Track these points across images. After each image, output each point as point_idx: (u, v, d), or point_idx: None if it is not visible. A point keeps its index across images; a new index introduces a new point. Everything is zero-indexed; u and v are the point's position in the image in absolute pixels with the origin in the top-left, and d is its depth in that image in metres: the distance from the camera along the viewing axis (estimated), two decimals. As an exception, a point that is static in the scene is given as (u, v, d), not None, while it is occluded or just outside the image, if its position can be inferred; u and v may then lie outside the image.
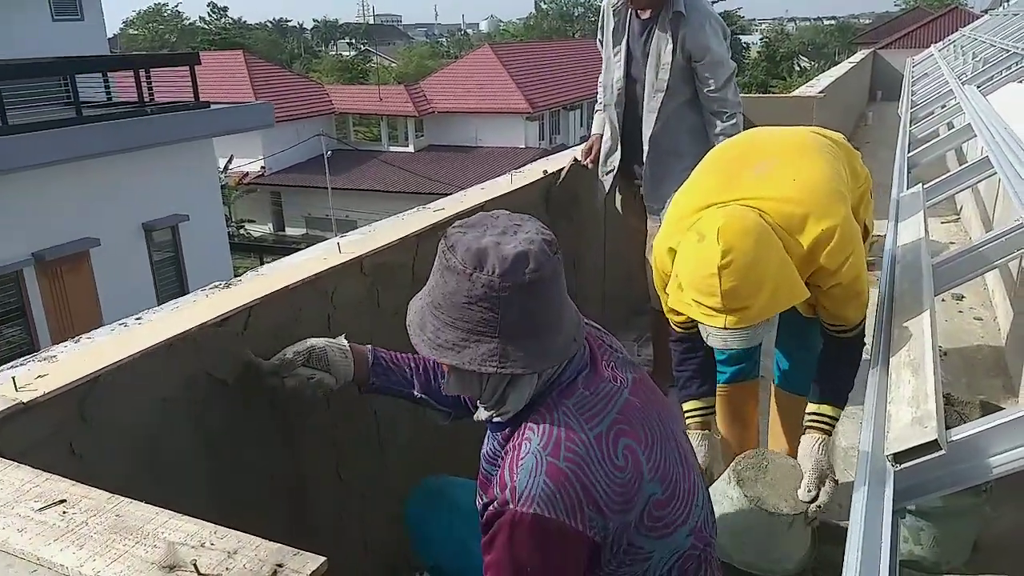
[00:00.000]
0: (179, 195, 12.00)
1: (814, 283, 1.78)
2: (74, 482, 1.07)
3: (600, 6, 3.07)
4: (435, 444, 2.30)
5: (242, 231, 23.61)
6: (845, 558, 1.23)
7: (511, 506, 1.15)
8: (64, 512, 1.01)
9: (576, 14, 52.72)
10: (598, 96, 3.18)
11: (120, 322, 1.73)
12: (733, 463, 2.00)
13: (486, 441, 1.42)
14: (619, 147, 3.02)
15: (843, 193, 1.85)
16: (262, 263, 18.99)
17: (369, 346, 1.80)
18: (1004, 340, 3.75)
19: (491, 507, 1.20)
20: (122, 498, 1.03)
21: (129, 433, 1.55)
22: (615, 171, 3.05)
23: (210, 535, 0.94)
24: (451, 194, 3.01)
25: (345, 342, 1.78)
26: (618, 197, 3.20)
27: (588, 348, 1.32)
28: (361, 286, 2.17)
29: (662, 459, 1.26)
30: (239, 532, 0.94)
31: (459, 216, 2.58)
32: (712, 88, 2.82)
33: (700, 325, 1.75)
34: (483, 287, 1.17)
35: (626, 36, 2.91)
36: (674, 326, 2.12)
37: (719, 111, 2.84)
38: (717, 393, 2.27)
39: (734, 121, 2.85)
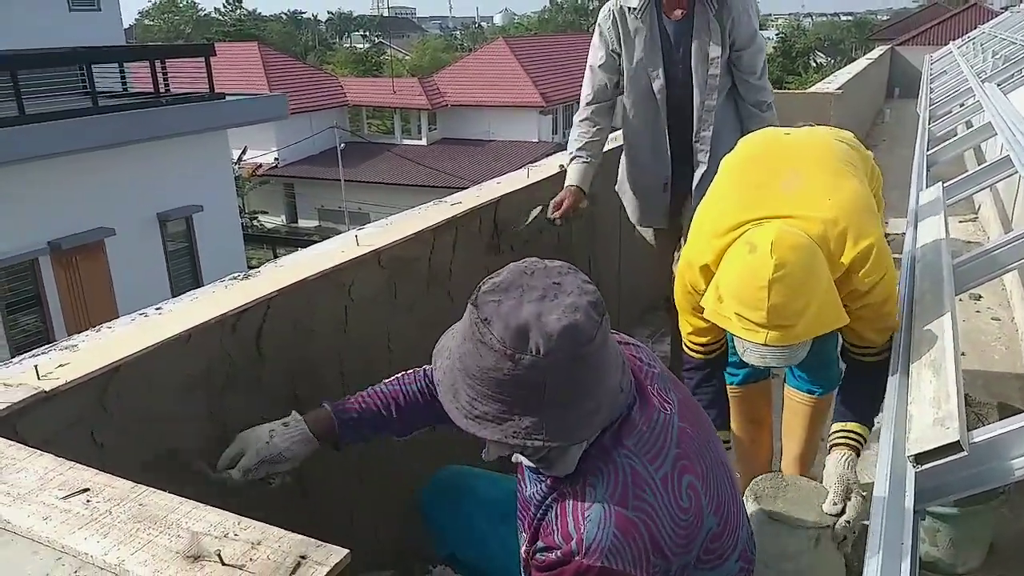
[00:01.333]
0: (193, 186, 12.05)
1: (844, 303, 1.74)
2: (97, 471, 1.07)
3: (602, 12, 2.70)
4: (450, 434, 2.30)
5: (255, 222, 23.71)
6: (866, 558, 1.22)
7: (577, 558, 1.12)
8: (88, 501, 1.01)
9: (591, 8, 52.46)
10: (578, 136, 2.82)
11: (140, 312, 1.74)
12: (751, 484, 1.93)
13: (527, 482, 1.31)
14: (669, 165, 2.74)
15: (874, 210, 1.83)
16: (275, 255, 19.03)
17: (327, 405, 1.61)
18: (1022, 341, 3.72)
19: (553, 555, 1.15)
20: (145, 487, 1.03)
21: (149, 422, 1.56)
22: (667, 191, 2.77)
23: (233, 526, 0.95)
24: (464, 187, 3.00)
25: (298, 418, 1.59)
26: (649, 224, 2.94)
27: (631, 374, 1.22)
28: (379, 279, 2.18)
29: (716, 489, 1.23)
30: (262, 523, 0.95)
31: (477, 210, 2.58)
32: (756, 77, 2.66)
33: (738, 339, 1.70)
34: (527, 368, 1.06)
35: (659, 39, 2.61)
36: (690, 351, 2.06)
37: (761, 101, 2.69)
38: (730, 395, 2.24)
39: (773, 111, 2.72)
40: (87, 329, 1.66)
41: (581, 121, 2.82)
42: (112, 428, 1.48)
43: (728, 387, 2.44)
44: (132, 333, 1.62)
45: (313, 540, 0.92)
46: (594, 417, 1.12)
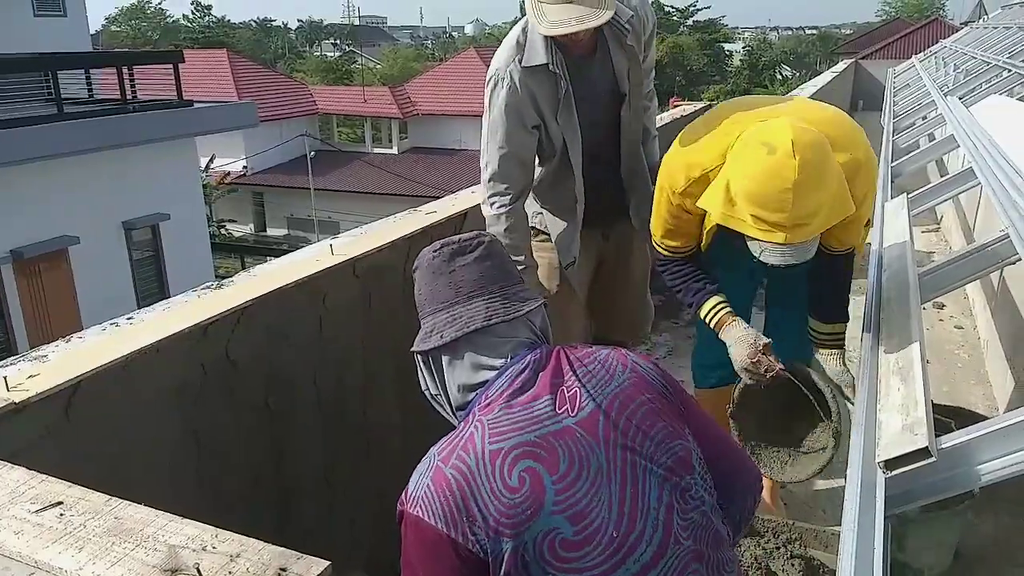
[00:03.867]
0: (160, 194, 11.87)
1: None
2: (70, 484, 1.06)
3: (496, 80, 2.24)
4: (428, 447, 2.30)
5: (223, 231, 23.43)
6: (839, 564, 1.24)
7: (404, 506, 1.16)
8: (61, 514, 1.00)
9: (561, 19, 52.77)
10: (519, 240, 2.29)
11: (111, 321, 1.71)
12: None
13: None
14: (583, 199, 2.36)
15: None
16: (243, 263, 18.75)
17: None
18: (984, 349, 3.81)
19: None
20: (120, 500, 1.02)
21: (120, 433, 1.54)
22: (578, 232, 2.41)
23: (211, 538, 0.94)
24: (435, 196, 3.00)
25: None
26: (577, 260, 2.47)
27: (542, 370, 1.22)
28: (354, 289, 2.17)
29: (585, 499, 1.14)
30: (241, 535, 0.94)
31: (450, 219, 2.59)
32: (649, 80, 2.42)
33: (752, 241, 1.71)
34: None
35: (570, 87, 2.21)
36: (662, 251, 2.10)
37: (651, 105, 2.49)
38: (698, 397, 2.26)
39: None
40: (50, 339, 1.64)
41: (511, 220, 2.26)
42: (83, 440, 1.45)
43: (697, 390, 2.49)
44: (103, 343, 1.60)
45: (293, 552, 0.92)
46: (430, 336, 1.24)
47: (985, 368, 3.63)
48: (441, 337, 1.23)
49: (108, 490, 1.06)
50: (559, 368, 1.23)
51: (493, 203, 2.27)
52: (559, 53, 2.16)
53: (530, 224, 2.43)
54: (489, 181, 2.27)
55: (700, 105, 7.48)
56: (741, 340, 2.01)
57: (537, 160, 2.38)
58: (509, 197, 2.26)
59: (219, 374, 1.77)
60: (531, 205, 2.45)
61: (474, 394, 1.23)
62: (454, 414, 1.27)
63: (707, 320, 2.09)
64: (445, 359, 1.25)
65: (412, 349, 1.28)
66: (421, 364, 1.29)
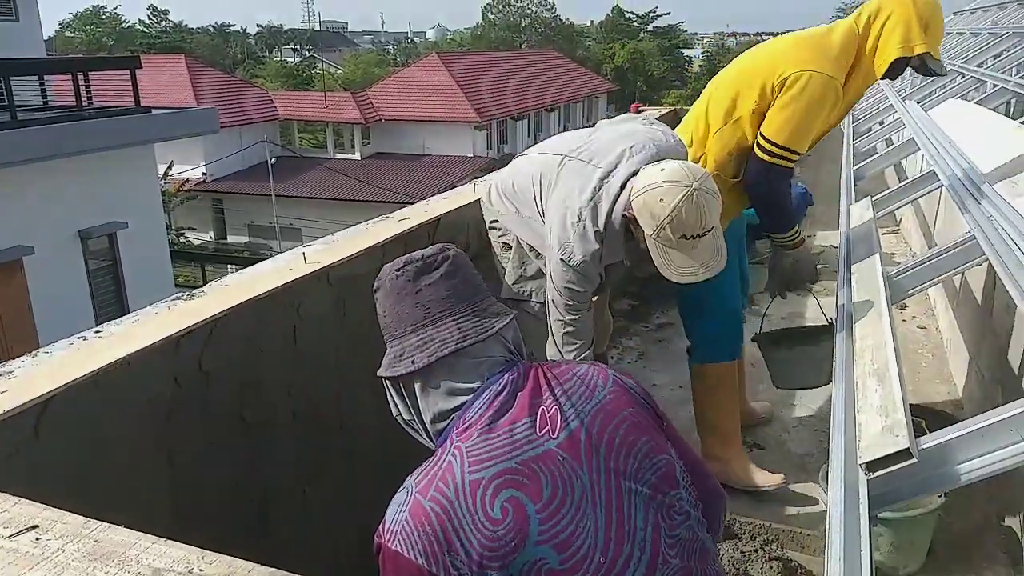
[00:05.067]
0: (118, 202, 11.62)
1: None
2: (46, 506, 1.02)
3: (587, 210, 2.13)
4: (409, 457, 2.27)
5: (182, 239, 23.03)
6: (826, 567, 1.24)
7: (381, 540, 1.11)
8: (37, 538, 0.96)
9: (523, 24, 53.04)
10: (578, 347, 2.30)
11: (79, 335, 1.66)
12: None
13: None
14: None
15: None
16: (204, 272, 18.40)
17: None
18: (947, 348, 3.88)
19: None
20: (99, 522, 0.98)
21: (92, 450, 1.49)
22: None
23: (198, 560, 0.91)
24: (400, 202, 2.99)
25: None
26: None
27: (520, 390, 1.19)
28: (327, 297, 2.14)
29: (571, 526, 1.11)
30: (228, 556, 0.91)
31: (423, 226, 2.57)
32: None
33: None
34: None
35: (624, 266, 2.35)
36: (794, 159, 2.43)
37: None
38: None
39: None
40: (5, 351, 1.59)
41: (580, 341, 2.27)
42: (54, 458, 1.41)
43: (729, 363, 2.76)
44: (71, 358, 1.55)
45: (282, 572, 0.89)
46: (399, 361, 1.18)
47: (948, 367, 3.70)
48: (412, 363, 1.17)
49: (81, 509, 1.03)
50: (537, 387, 1.18)
51: (573, 350, 2.27)
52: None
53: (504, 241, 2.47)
54: (565, 335, 2.26)
55: (664, 110, 7.55)
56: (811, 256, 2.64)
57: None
58: (587, 344, 2.28)
59: (192, 387, 1.73)
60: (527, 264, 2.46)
61: (450, 419, 1.18)
62: (430, 440, 1.21)
63: (794, 234, 2.59)
64: (417, 385, 1.19)
65: (380, 374, 1.21)
66: (391, 389, 1.23)
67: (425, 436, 1.23)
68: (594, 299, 2.38)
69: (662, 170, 1.97)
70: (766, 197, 2.49)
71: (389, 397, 1.24)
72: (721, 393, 2.71)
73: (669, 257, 1.98)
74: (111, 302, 11.63)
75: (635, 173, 2.06)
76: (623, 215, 2.07)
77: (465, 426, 1.15)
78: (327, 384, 2.17)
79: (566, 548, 1.10)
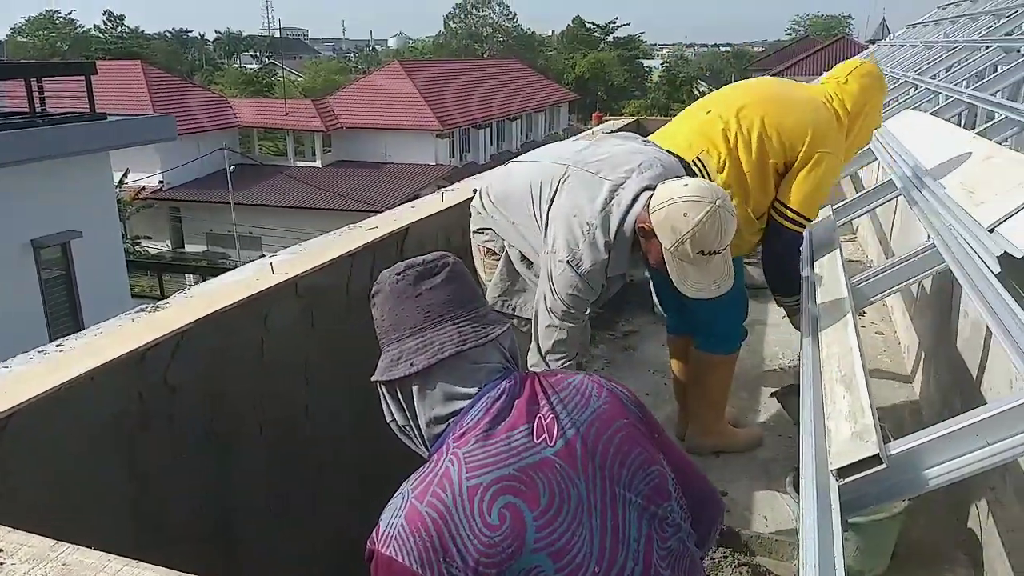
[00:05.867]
0: (72, 210, 11.34)
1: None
2: (10, 528, 0.98)
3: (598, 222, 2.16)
4: (380, 468, 2.25)
5: (138, 248, 22.58)
6: (800, 573, 1.26)
7: (371, 546, 1.11)
8: (1, 563, 0.92)
9: (485, 34, 53.17)
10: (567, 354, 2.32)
11: (40, 349, 1.62)
12: None
13: None
14: None
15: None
16: (161, 281, 17.97)
17: None
18: (905, 354, 3.97)
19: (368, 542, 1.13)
20: (68, 544, 0.95)
21: (55, 468, 1.45)
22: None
23: (172, 581, 0.88)
24: (362, 210, 2.98)
25: None
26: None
27: (517, 397, 1.20)
28: (296, 308, 2.11)
29: (567, 534, 1.11)
30: (204, 576, 0.89)
31: (392, 235, 2.55)
32: None
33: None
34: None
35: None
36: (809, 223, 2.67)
37: None
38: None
39: None
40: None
41: (570, 350, 2.30)
42: (15, 477, 1.36)
43: (729, 355, 2.97)
44: (32, 373, 1.51)
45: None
46: (397, 364, 1.17)
47: (907, 372, 3.78)
48: (411, 365, 1.16)
49: (43, 530, 0.99)
50: (534, 395, 1.19)
51: (559, 358, 2.28)
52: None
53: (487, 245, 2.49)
54: (556, 343, 2.27)
55: (625, 120, 7.62)
56: None
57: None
58: (572, 354, 2.30)
59: (158, 402, 1.69)
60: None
61: (446, 424, 1.17)
62: (425, 445, 1.21)
63: (798, 299, 2.70)
64: (415, 388, 1.18)
65: (375, 378, 1.20)
66: (386, 394, 1.22)
67: (420, 442, 1.22)
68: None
69: (685, 185, 2.02)
70: (783, 259, 2.72)
71: (384, 403, 1.23)
72: (724, 375, 2.98)
73: (685, 272, 2.03)
74: (64, 313, 11.34)
75: (647, 188, 2.10)
76: (635, 227, 2.10)
77: (462, 432, 1.15)
78: (296, 395, 2.14)
79: (562, 556, 1.11)
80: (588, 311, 2.34)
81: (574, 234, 2.15)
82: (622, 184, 2.15)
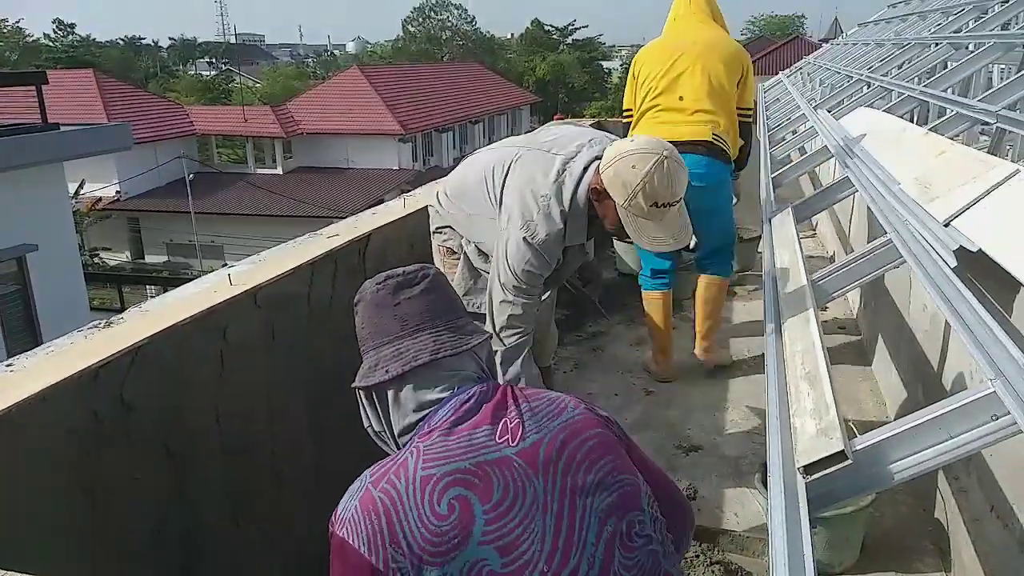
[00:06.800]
0: (26, 223, 11.07)
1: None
2: (-45, 559, 0.94)
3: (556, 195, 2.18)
4: (343, 482, 2.22)
5: (96, 260, 22.12)
6: (771, 571, 1.26)
7: (332, 527, 1.13)
8: (-54, 596, 0.88)
9: (444, 37, 53.06)
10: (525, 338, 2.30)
11: (-12, 370, 1.56)
12: None
13: None
14: None
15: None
16: (121, 293, 17.59)
17: None
18: (866, 348, 4.03)
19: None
20: (15, 574, 0.91)
21: (6, 491, 1.40)
22: None
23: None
24: (324, 216, 2.95)
25: None
26: None
27: (487, 402, 1.21)
28: (256, 320, 2.07)
29: (517, 530, 1.11)
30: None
31: (354, 242, 2.52)
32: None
33: None
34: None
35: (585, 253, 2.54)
36: None
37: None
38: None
39: None
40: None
41: (524, 326, 2.27)
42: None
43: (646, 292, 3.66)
44: (-21, 395, 1.45)
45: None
46: (374, 371, 1.21)
47: (870, 366, 3.83)
48: (386, 372, 1.19)
49: (-5, 559, 0.95)
50: (504, 401, 1.21)
51: (513, 334, 2.24)
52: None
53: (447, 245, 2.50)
54: (510, 318, 2.24)
55: (587, 122, 7.64)
56: None
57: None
58: (527, 330, 2.28)
59: (114, 420, 1.64)
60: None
61: (417, 429, 1.20)
62: (398, 449, 1.22)
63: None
64: (390, 394, 1.22)
65: (354, 385, 1.23)
66: (364, 400, 1.25)
67: (394, 446, 1.25)
68: (545, 297, 2.41)
69: (632, 141, 2.08)
70: (748, 143, 3.73)
71: (361, 409, 1.26)
72: (723, 297, 3.73)
73: (639, 226, 2.07)
74: (21, 328, 11.07)
75: (597, 157, 2.15)
76: (588, 190, 2.13)
77: (428, 430, 1.18)
78: (257, 411, 2.10)
79: (509, 552, 1.11)
80: (542, 291, 2.33)
81: (528, 207, 2.17)
82: (573, 157, 2.19)
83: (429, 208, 2.52)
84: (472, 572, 1.09)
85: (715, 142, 3.33)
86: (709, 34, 3.51)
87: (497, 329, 2.25)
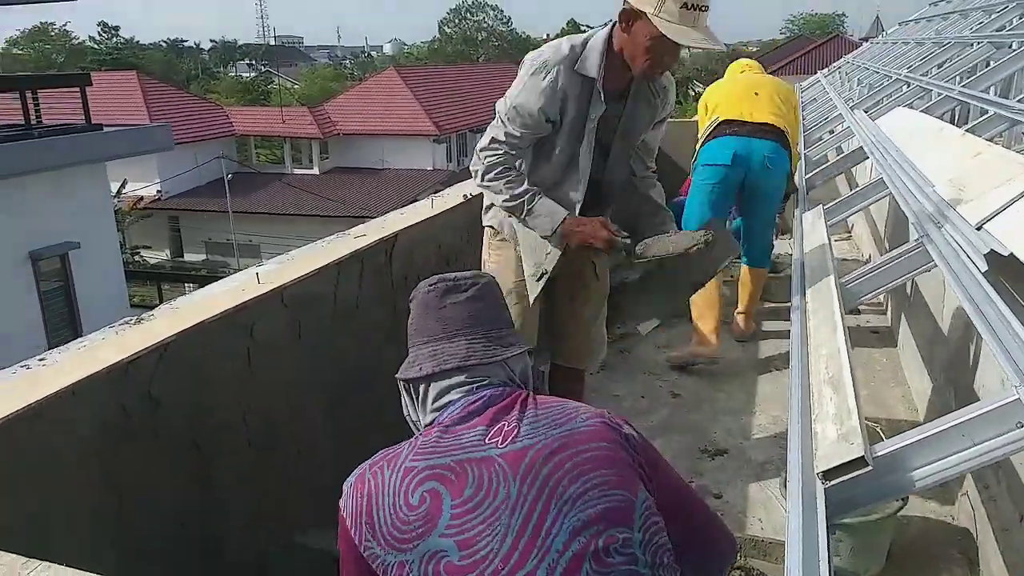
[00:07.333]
0: (70, 222, 11.36)
1: None
2: (-18, 547, 0.98)
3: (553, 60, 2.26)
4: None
5: (137, 258, 22.58)
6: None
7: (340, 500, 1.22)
8: (-29, 582, 0.92)
9: (480, 38, 53.20)
10: (513, 180, 2.33)
11: (22, 364, 1.61)
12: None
13: None
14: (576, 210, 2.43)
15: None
16: (160, 291, 17.96)
17: None
18: (900, 352, 3.96)
19: None
20: (40, 562, 0.94)
21: (35, 485, 1.44)
22: None
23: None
24: (359, 216, 2.97)
25: None
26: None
27: (493, 405, 1.24)
28: (282, 319, 2.10)
29: (480, 527, 1.13)
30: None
31: (381, 242, 2.54)
32: (654, 152, 2.62)
33: None
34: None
35: (603, 104, 2.32)
36: None
37: (653, 170, 2.66)
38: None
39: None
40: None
41: (507, 165, 2.33)
42: (-7, 495, 1.35)
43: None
44: (13, 388, 1.50)
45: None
46: (411, 366, 1.29)
47: (902, 370, 3.77)
48: (420, 369, 1.27)
49: (22, 549, 0.99)
50: (510, 406, 1.24)
51: (495, 160, 2.31)
52: (604, 77, 2.26)
53: (490, 224, 2.46)
54: (494, 142, 2.32)
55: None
56: None
57: (528, 166, 2.41)
58: (514, 156, 2.33)
59: (142, 415, 1.68)
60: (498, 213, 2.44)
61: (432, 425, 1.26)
62: None
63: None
64: (423, 388, 1.28)
65: (396, 376, 1.32)
66: (403, 390, 1.33)
67: None
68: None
69: None
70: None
71: (402, 398, 1.34)
72: (761, 283, 4.24)
73: (676, 32, 2.08)
74: (64, 324, 11.35)
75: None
76: (612, 28, 2.25)
77: (434, 426, 1.24)
78: (281, 406, 2.13)
79: (468, 546, 1.13)
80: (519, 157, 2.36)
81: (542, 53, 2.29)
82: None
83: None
84: (431, 562, 1.13)
85: (786, 134, 3.89)
86: (772, 78, 4.28)
87: (478, 148, 2.35)
